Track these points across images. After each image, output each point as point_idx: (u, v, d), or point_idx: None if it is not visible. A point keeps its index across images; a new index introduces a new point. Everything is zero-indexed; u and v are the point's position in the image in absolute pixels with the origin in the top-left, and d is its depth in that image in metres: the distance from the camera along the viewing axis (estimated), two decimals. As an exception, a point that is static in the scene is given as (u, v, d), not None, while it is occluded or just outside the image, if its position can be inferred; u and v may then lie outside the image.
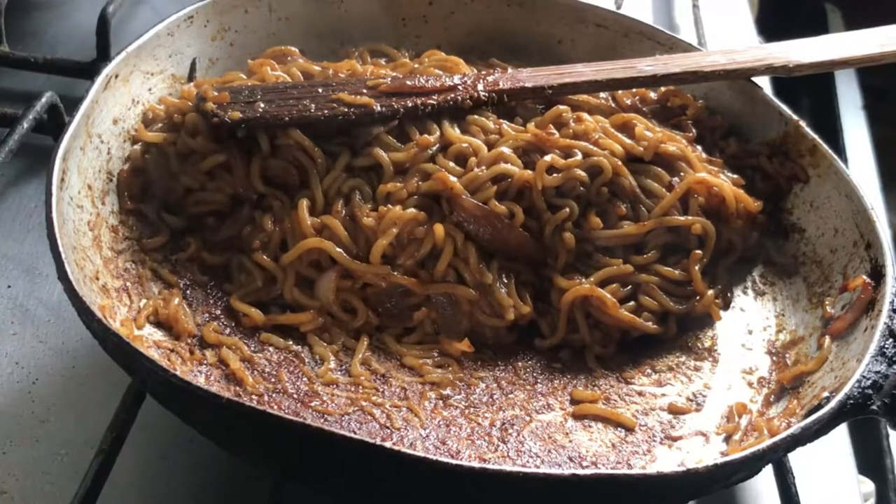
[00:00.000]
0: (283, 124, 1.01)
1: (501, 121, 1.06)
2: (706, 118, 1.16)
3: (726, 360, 1.01)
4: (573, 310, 0.99)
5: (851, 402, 0.82)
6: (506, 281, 0.99)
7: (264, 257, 0.99)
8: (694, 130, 1.14)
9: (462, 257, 0.99)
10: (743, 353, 1.01)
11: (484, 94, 1.07)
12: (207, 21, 1.14)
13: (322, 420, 0.88)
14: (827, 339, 0.94)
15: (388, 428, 0.89)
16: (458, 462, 0.82)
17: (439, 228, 0.98)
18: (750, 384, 0.97)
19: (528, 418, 0.93)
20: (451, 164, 1.02)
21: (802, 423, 0.79)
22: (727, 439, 0.91)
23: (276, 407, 0.89)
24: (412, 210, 0.99)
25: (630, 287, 1.01)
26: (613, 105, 1.13)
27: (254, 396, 0.89)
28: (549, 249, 1.01)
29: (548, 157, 1.02)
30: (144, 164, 1.04)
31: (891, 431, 1.06)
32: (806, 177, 1.09)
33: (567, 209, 1.01)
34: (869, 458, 1.06)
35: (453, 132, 1.04)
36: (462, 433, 0.90)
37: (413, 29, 1.24)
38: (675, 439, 0.92)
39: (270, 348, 0.96)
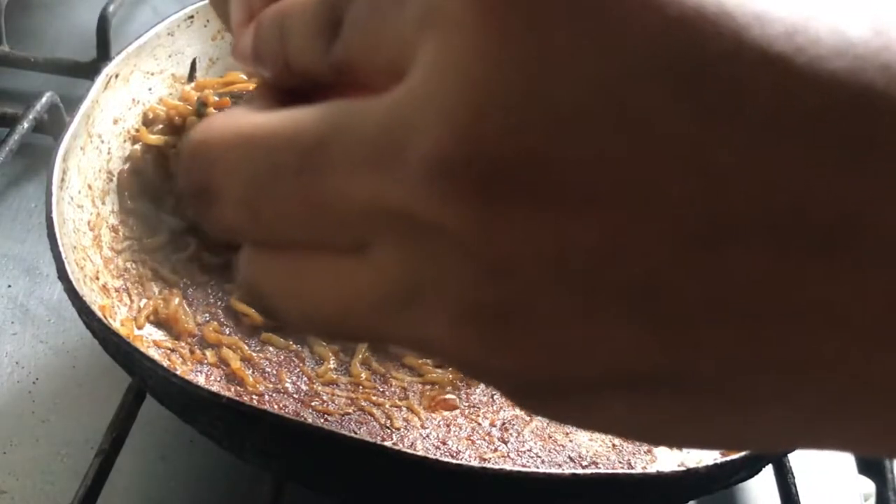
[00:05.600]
0: (283, 125, 1.01)
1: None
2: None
3: (726, 360, 1.01)
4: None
5: (851, 401, 0.82)
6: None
7: (264, 258, 0.99)
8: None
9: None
10: (743, 353, 1.01)
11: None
12: (207, 21, 1.14)
13: (322, 420, 0.88)
14: (827, 339, 0.94)
15: (388, 428, 0.89)
16: (459, 462, 0.82)
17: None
18: (750, 384, 0.97)
19: (528, 418, 0.92)
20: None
21: (802, 423, 0.79)
22: (727, 439, 0.91)
23: (276, 407, 0.89)
24: (413, 213, 0.98)
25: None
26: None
27: (254, 396, 0.89)
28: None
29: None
30: (144, 165, 1.04)
31: (891, 431, 1.06)
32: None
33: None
34: (869, 458, 1.05)
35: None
36: (462, 433, 0.90)
37: (413, 29, 1.24)
38: (675, 439, 0.91)
39: (271, 348, 0.96)
